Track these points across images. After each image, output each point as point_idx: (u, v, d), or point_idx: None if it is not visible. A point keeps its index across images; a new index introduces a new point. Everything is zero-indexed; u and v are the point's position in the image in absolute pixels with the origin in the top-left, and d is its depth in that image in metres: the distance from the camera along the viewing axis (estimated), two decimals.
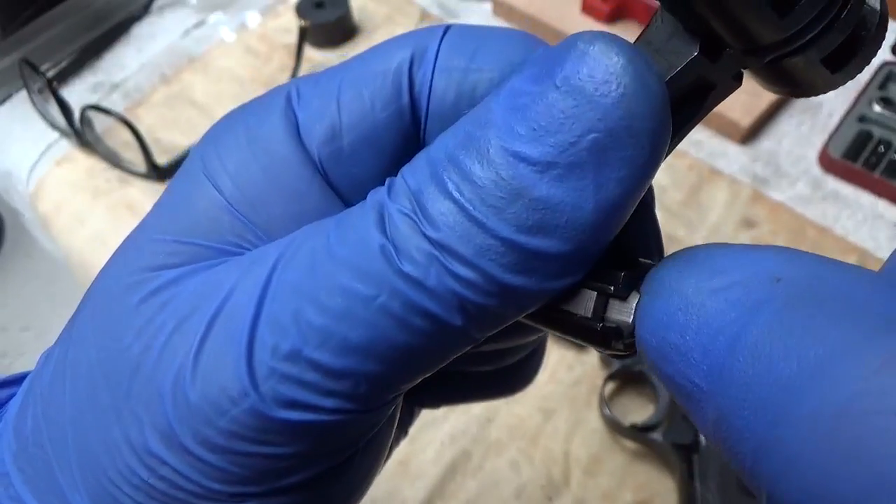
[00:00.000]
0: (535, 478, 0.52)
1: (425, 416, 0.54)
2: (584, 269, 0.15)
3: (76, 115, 0.68)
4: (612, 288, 0.15)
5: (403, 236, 0.14)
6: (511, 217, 0.14)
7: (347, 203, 0.18)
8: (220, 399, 0.15)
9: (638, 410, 0.54)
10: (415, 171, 0.15)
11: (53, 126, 0.74)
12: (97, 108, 0.67)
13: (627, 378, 0.54)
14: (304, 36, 0.77)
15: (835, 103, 0.71)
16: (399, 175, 0.16)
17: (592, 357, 0.56)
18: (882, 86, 0.70)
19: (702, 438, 0.48)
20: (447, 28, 0.18)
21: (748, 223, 0.64)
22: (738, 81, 0.17)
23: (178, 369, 0.15)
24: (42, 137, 0.74)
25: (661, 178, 0.67)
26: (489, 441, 0.53)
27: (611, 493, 0.50)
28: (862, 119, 0.67)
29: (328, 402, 0.15)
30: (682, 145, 0.69)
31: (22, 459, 0.17)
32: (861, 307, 0.11)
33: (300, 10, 0.79)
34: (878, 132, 0.66)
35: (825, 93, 0.17)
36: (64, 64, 0.80)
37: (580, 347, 0.57)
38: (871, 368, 0.10)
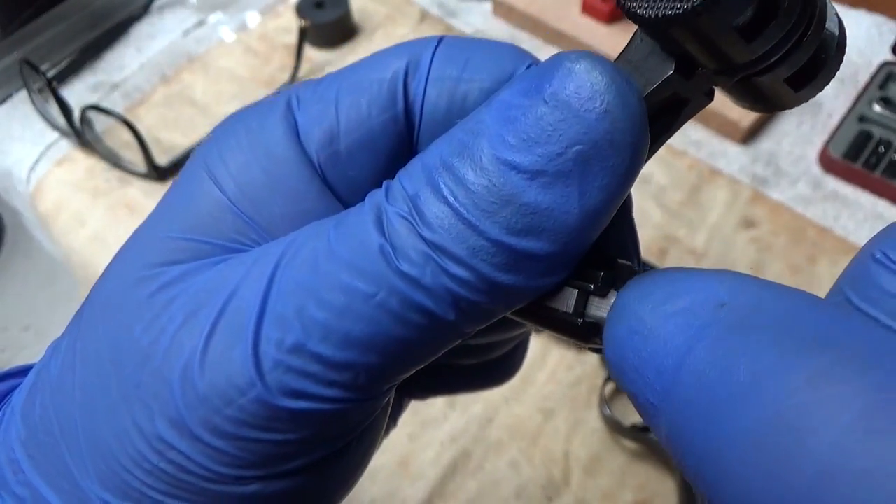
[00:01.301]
0: (535, 478, 0.52)
1: (425, 416, 0.54)
2: (568, 268, 0.17)
3: (76, 115, 0.68)
4: (591, 286, 0.17)
5: (401, 237, 0.16)
6: (502, 220, 0.15)
7: (345, 203, 0.19)
8: (227, 389, 0.16)
9: None
10: (411, 176, 0.16)
11: (53, 126, 0.74)
12: (97, 108, 0.67)
13: None
14: (304, 36, 0.77)
15: (835, 103, 0.71)
16: (396, 179, 0.17)
17: (592, 357, 0.56)
18: (882, 86, 0.70)
19: None
20: (440, 39, 0.19)
21: (748, 223, 0.64)
22: (709, 97, 0.18)
23: (186, 361, 0.16)
24: (42, 137, 0.74)
25: (661, 178, 0.67)
26: (489, 441, 0.53)
27: (611, 493, 0.50)
28: (862, 119, 0.67)
29: (330, 392, 0.16)
30: (682, 145, 0.69)
31: (31, 446, 0.18)
32: (794, 328, 0.12)
33: (300, 10, 0.79)
34: (878, 132, 0.66)
35: (791, 108, 0.18)
36: (64, 64, 0.80)
37: (579, 347, 0.57)
38: (794, 387, 0.11)
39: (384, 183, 0.17)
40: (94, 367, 0.17)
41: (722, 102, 0.68)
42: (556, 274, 0.16)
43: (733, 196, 0.65)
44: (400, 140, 0.19)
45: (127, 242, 0.19)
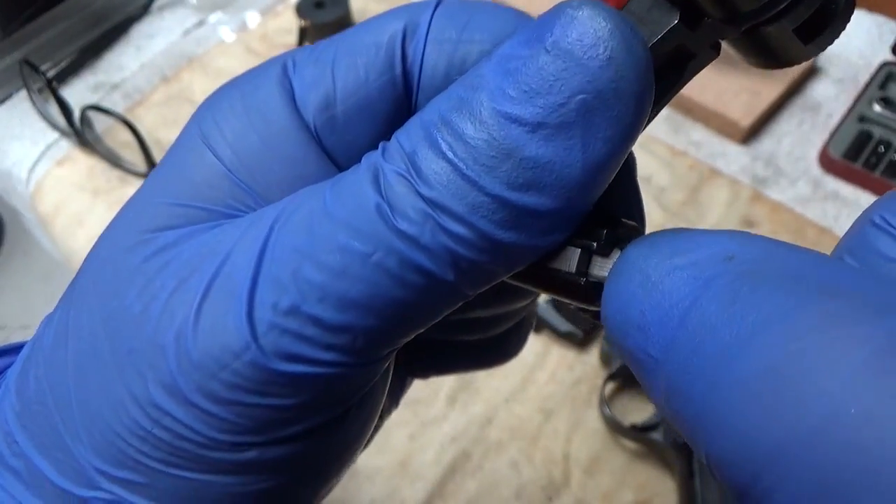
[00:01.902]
0: (535, 478, 0.52)
1: (425, 416, 0.54)
2: (571, 226, 0.16)
3: (76, 115, 0.68)
4: (594, 245, 0.16)
5: (398, 195, 0.15)
6: (502, 175, 0.15)
7: (342, 169, 0.18)
8: (221, 353, 0.15)
9: (638, 410, 0.54)
10: (409, 133, 0.16)
11: (53, 126, 0.74)
12: (97, 108, 0.67)
13: (627, 378, 0.54)
14: (304, 36, 0.77)
15: (835, 103, 0.71)
16: (393, 138, 0.16)
17: (592, 357, 0.56)
18: (882, 86, 0.70)
19: None
20: (439, 1, 0.18)
21: (748, 223, 0.64)
22: (716, 51, 0.18)
23: (179, 326, 0.16)
24: (42, 137, 0.74)
25: (661, 178, 0.67)
26: (489, 441, 0.53)
27: (611, 493, 0.50)
28: (862, 119, 0.67)
29: (327, 356, 0.16)
30: (682, 145, 0.69)
31: (25, 417, 0.18)
32: (801, 278, 0.12)
33: (300, 10, 0.79)
34: (878, 132, 0.66)
35: (799, 63, 0.18)
36: (64, 64, 0.80)
37: (580, 347, 0.57)
38: (803, 329, 0.11)
39: (381, 143, 0.16)
40: (87, 335, 0.17)
41: (722, 103, 0.68)
42: (558, 232, 0.16)
43: (733, 196, 0.65)
44: (398, 104, 0.18)
45: (121, 210, 0.19)
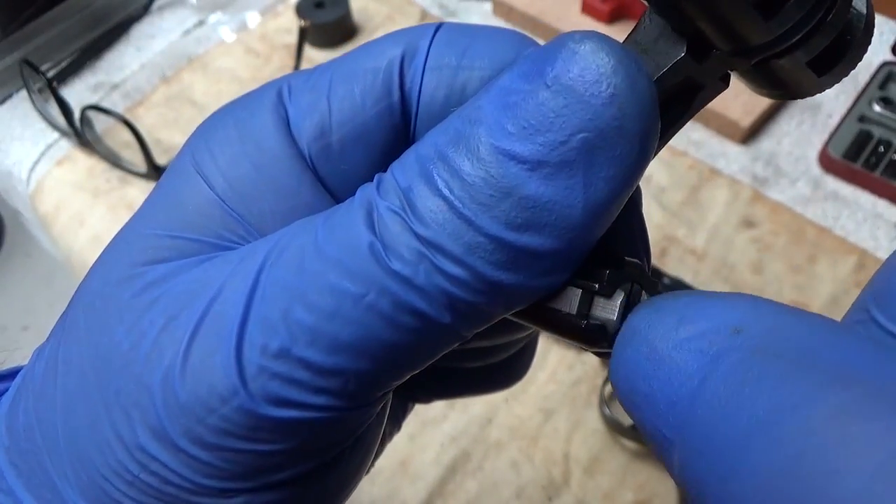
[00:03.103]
0: (535, 478, 0.52)
1: (425, 416, 0.54)
2: (571, 267, 0.16)
3: (76, 115, 0.68)
4: (596, 286, 0.16)
5: (392, 234, 0.15)
6: (500, 214, 0.14)
7: (338, 199, 0.18)
8: (209, 397, 0.15)
9: None
10: (404, 168, 0.15)
11: (53, 126, 0.74)
12: (97, 108, 0.67)
13: None
14: (304, 36, 0.77)
15: (835, 103, 0.71)
16: (388, 171, 0.16)
17: (592, 357, 0.56)
18: (882, 86, 0.70)
19: None
20: (439, 26, 0.18)
21: (748, 223, 0.64)
22: (725, 83, 0.17)
23: (167, 366, 0.15)
24: (42, 137, 0.74)
25: (661, 178, 0.67)
26: (489, 441, 0.53)
27: (611, 493, 0.50)
28: (862, 119, 0.67)
29: (318, 400, 0.15)
30: (682, 145, 0.69)
31: (14, 454, 0.17)
32: (815, 359, 0.12)
33: (300, 10, 0.79)
34: (878, 132, 0.66)
35: (813, 95, 0.17)
36: (64, 64, 0.80)
37: (584, 350, 0.57)
38: (816, 423, 0.11)
39: (376, 176, 0.16)
40: (75, 372, 0.17)
41: (722, 103, 0.68)
42: (558, 273, 0.15)
43: (733, 196, 0.65)
44: (396, 132, 0.17)
45: (112, 241, 0.18)
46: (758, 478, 0.11)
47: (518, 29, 0.80)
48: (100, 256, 0.18)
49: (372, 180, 0.16)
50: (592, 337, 0.16)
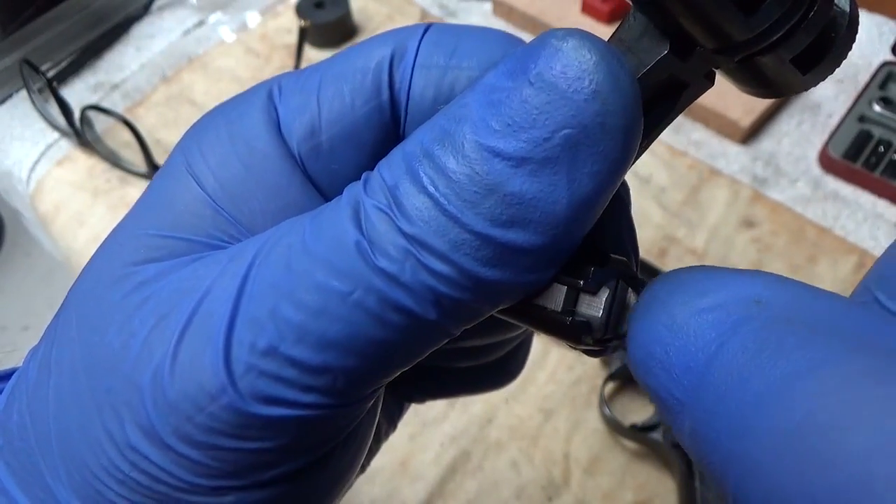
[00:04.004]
0: (535, 478, 0.52)
1: (425, 416, 0.54)
2: (557, 263, 0.16)
3: (76, 115, 0.68)
4: (581, 283, 0.16)
5: (379, 232, 0.15)
6: (485, 211, 0.14)
7: (327, 198, 0.18)
8: (198, 395, 0.15)
9: (638, 410, 0.54)
10: (391, 166, 0.15)
11: (53, 126, 0.74)
12: (97, 108, 0.67)
13: (627, 378, 0.54)
14: (304, 36, 0.77)
15: (835, 103, 0.71)
16: (376, 170, 0.16)
17: (593, 358, 0.56)
18: (882, 86, 0.70)
19: None
20: (428, 27, 0.18)
21: (748, 223, 0.64)
22: (710, 81, 0.17)
23: (156, 366, 0.15)
24: (42, 137, 0.74)
25: (661, 178, 0.67)
26: (489, 441, 0.53)
27: (611, 493, 0.50)
28: (862, 119, 0.67)
29: (306, 398, 0.15)
30: (682, 145, 0.69)
31: (8, 453, 0.17)
32: (832, 328, 0.12)
33: (300, 10, 0.79)
34: (878, 132, 0.66)
35: (797, 93, 0.17)
36: (64, 64, 0.80)
37: (571, 348, 0.57)
38: (829, 387, 0.11)
39: (363, 175, 0.16)
40: (67, 372, 0.17)
41: (722, 102, 0.68)
42: (544, 269, 0.15)
43: (733, 196, 0.65)
44: (385, 132, 0.18)
45: (104, 242, 0.18)
46: (772, 436, 0.11)
47: (518, 29, 0.80)
48: (92, 257, 0.18)
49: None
50: (577, 334, 0.16)
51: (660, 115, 0.17)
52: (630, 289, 0.16)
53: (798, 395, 0.11)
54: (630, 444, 0.52)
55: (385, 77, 0.17)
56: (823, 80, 0.16)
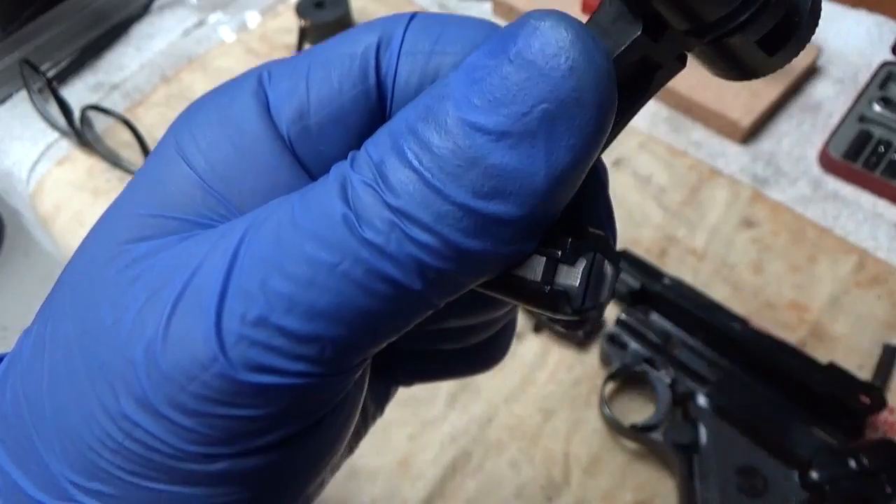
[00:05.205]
0: (535, 478, 0.52)
1: (425, 416, 0.54)
2: (537, 234, 0.16)
3: (76, 115, 0.68)
4: (559, 253, 0.16)
5: (365, 205, 0.15)
6: (468, 184, 0.15)
7: (315, 179, 0.18)
8: (190, 365, 0.15)
9: (638, 410, 0.54)
10: (377, 144, 0.16)
11: (53, 126, 0.74)
12: (97, 108, 0.67)
13: (627, 378, 0.54)
14: (304, 36, 0.77)
15: (835, 103, 0.71)
16: (362, 148, 0.16)
17: (592, 357, 0.56)
18: (882, 86, 0.70)
19: (702, 438, 0.48)
20: (413, 15, 0.19)
21: (748, 223, 0.64)
22: (682, 63, 0.18)
23: (149, 338, 0.16)
24: (42, 137, 0.74)
25: (661, 178, 0.67)
26: (489, 441, 0.53)
27: (611, 493, 0.50)
28: (862, 119, 0.67)
29: (296, 366, 0.16)
30: (682, 145, 0.69)
31: (2, 430, 0.18)
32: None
33: (300, 10, 0.79)
34: (878, 132, 0.66)
35: (764, 75, 0.18)
36: (64, 64, 0.80)
37: (580, 347, 0.57)
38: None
39: (350, 153, 0.17)
40: (61, 348, 0.17)
41: (722, 103, 0.68)
42: (524, 241, 0.16)
43: (733, 196, 0.65)
44: (372, 115, 0.18)
45: (97, 222, 0.19)
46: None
47: None
48: (86, 237, 0.19)
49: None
50: (555, 303, 0.17)
51: (635, 96, 0.18)
52: (607, 260, 0.17)
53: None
54: (630, 444, 0.52)
55: (372, 63, 0.18)
56: (788, 62, 0.18)
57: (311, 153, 0.18)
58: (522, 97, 0.15)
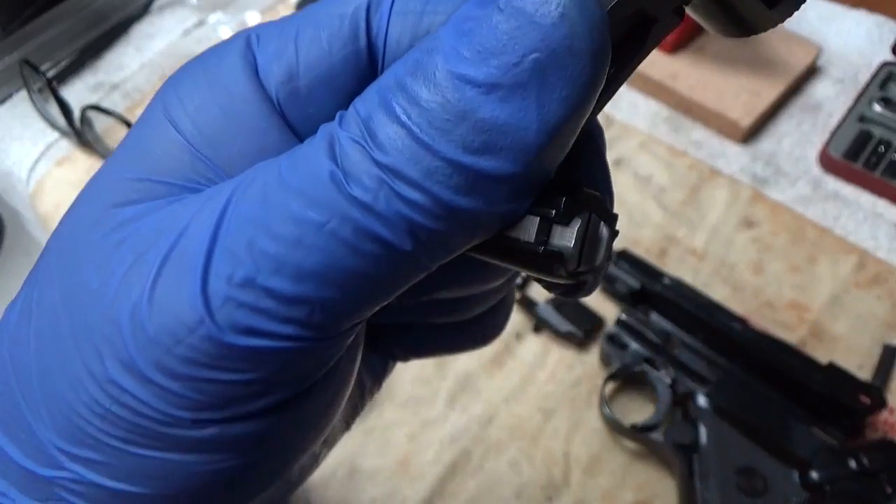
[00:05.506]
0: (535, 478, 0.52)
1: (425, 416, 0.54)
2: (530, 193, 0.16)
3: (76, 115, 0.68)
4: (553, 213, 0.16)
5: (353, 162, 0.15)
6: (457, 138, 0.14)
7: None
8: (176, 327, 0.15)
9: (638, 410, 0.54)
10: (365, 100, 0.16)
11: (53, 126, 0.74)
12: (97, 108, 0.67)
13: (627, 378, 0.54)
14: None
15: (835, 103, 0.71)
16: (351, 105, 0.16)
17: (592, 357, 0.56)
18: (882, 86, 0.70)
19: (702, 438, 0.48)
20: None
21: (748, 223, 0.64)
22: (679, 16, 0.17)
23: (135, 301, 0.16)
24: (42, 137, 0.74)
25: (661, 178, 0.67)
26: (489, 441, 0.53)
27: (611, 493, 0.50)
28: (862, 119, 0.67)
29: (284, 329, 0.15)
30: (682, 145, 0.69)
31: None
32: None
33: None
34: (878, 132, 0.66)
35: (763, 31, 0.17)
36: (64, 64, 0.80)
37: (580, 347, 0.57)
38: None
39: (338, 113, 0.16)
40: (48, 313, 0.17)
41: (722, 103, 0.68)
42: (516, 200, 0.15)
43: (733, 196, 0.65)
44: (362, 77, 0.18)
45: (84, 188, 0.18)
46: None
47: None
48: (73, 202, 0.18)
49: None
50: (549, 264, 0.16)
51: (631, 52, 0.17)
52: (603, 222, 0.16)
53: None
54: (630, 444, 0.52)
55: (362, 23, 0.17)
56: (789, 16, 0.17)
57: (300, 116, 0.18)
58: (512, 47, 0.14)
